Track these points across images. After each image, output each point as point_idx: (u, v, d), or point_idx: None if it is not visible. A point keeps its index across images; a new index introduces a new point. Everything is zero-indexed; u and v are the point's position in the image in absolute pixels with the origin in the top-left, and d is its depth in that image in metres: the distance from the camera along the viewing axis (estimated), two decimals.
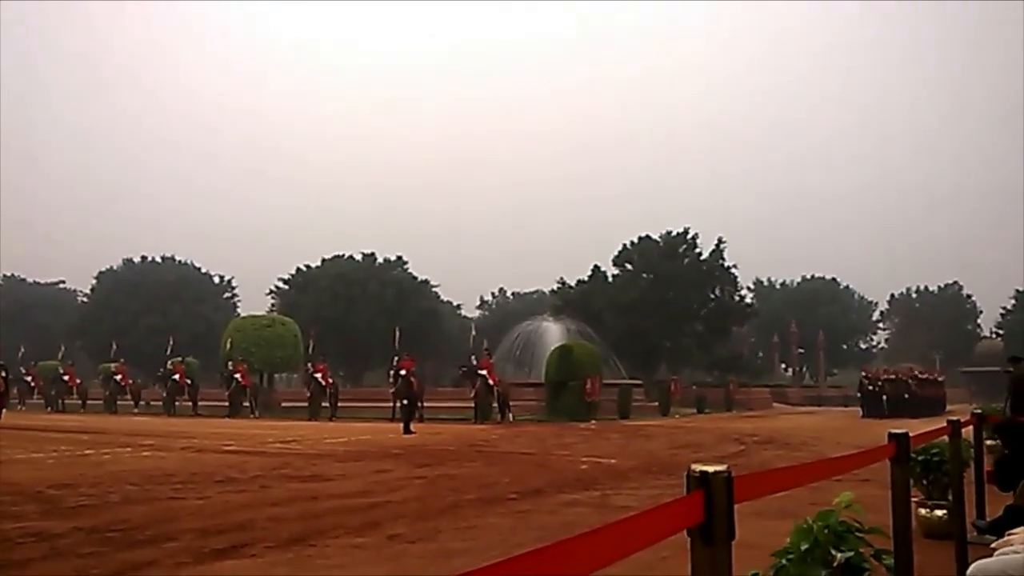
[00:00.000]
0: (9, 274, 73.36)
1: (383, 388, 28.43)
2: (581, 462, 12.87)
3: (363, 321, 55.30)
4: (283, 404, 34.21)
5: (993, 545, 3.46)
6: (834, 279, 79.65)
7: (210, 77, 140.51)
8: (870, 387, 33.27)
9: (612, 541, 1.18)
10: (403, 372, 22.88)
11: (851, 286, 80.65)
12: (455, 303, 72.23)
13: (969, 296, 76.59)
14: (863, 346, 79.94)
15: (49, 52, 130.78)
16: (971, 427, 6.14)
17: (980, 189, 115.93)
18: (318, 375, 30.04)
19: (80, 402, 37.14)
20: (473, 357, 27.77)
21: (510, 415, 26.22)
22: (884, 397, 32.02)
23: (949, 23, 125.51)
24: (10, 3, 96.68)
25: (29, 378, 38.75)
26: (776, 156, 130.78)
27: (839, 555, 2.54)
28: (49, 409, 36.39)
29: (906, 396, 32.04)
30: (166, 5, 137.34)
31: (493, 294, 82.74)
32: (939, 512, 6.12)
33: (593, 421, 25.03)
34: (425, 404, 25.74)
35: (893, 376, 34.63)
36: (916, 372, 36.63)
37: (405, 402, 21.81)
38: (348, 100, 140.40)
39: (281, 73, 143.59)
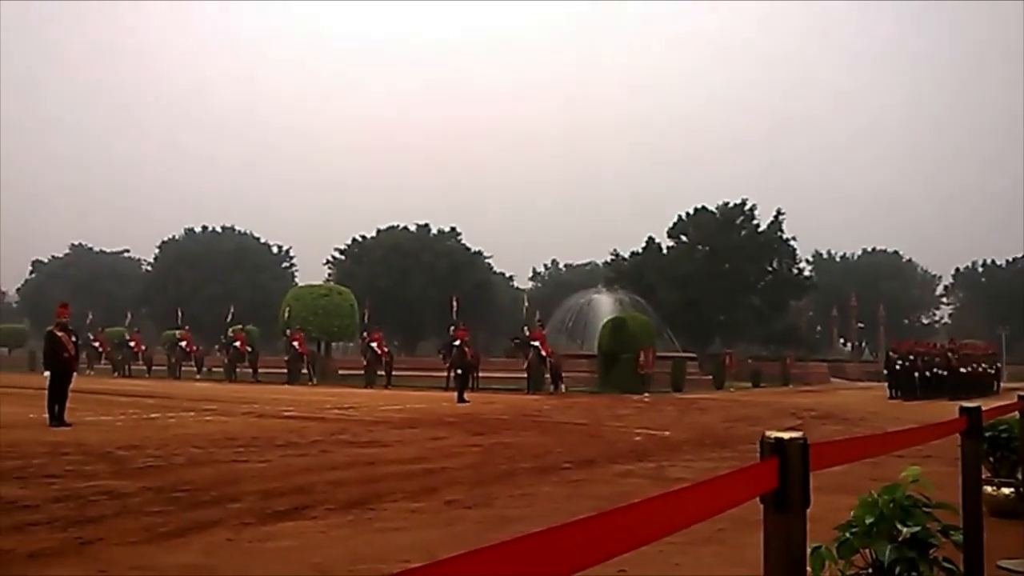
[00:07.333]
0: (77, 243, 75.80)
1: (437, 358, 28.73)
2: (635, 434, 12.85)
3: (417, 291, 55.75)
4: (340, 372, 34.81)
5: None
6: (896, 252, 77.58)
7: (272, 57, 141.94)
8: (899, 362, 28.03)
9: (689, 504, 1.18)
10: (457, 342, 23.06)
11: (914, 259, 78.59)
12: (508, 274, 72.33)
13: None
14: (925, 321, 77.93)
15: (104, 38, 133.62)
16: None
17: None
18: (374, 344, 30.48)
19: (145, 368, 38.37)
20: (526, 328, 27.86)
21: (562, 386, 26.29)
22: (916, 375, 27.17)
23: None
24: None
25: (97, 344, 40.13)
26: (837, 128, 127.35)
27: (905, 530, 2.49)
28: (116, 374, 37.69)
29: (944, 373, 27.26)
30: None
31: (546, 265, 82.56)
32: (1006, 490, 5.96)
33: (646, 393, 24.95)
34: (478, 374, 25.96)
35: (927, 350, 29.78)
36: (958, 345, 31.72)
37: (459, 371, 22.00)
38: (404, 76, 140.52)
39: (339, 53, 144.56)
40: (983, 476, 5.87)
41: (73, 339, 13.87)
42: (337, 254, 62.04)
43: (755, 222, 49.92)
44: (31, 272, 73.93)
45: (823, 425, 15.21)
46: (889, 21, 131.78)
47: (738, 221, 50.00)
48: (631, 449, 10.76)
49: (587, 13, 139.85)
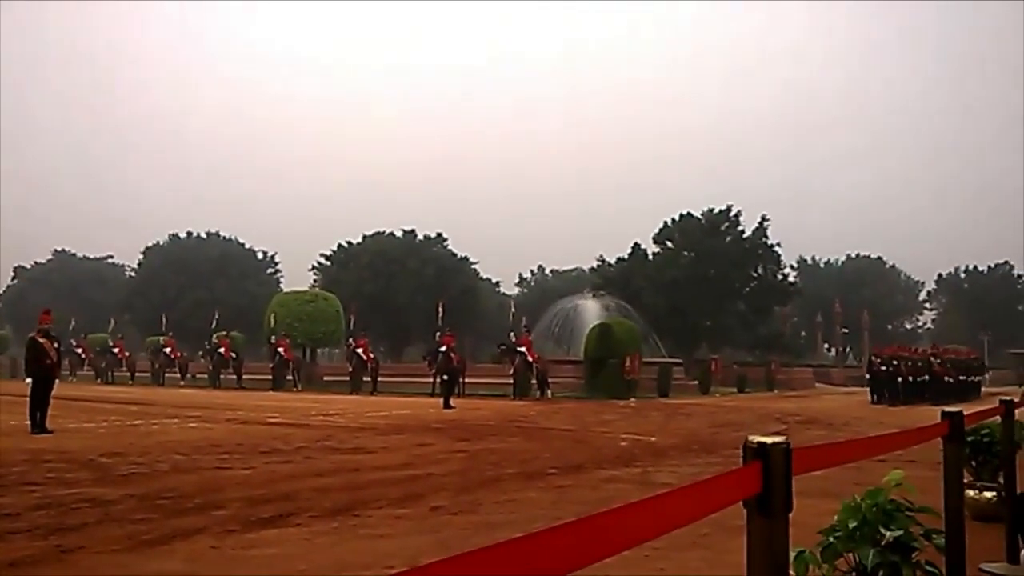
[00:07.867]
0: (60, 249, 75.22)
1: (423, 364, 28.67)
2: (620, 439, 12.86)
3: (403, 297, 55.62)
4: (325, 378, 34.64)
5: None
6: (880, 258, 78.24)
7: (259, 63, 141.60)
8: (883, 367, 27.56)
9: (672, 508, 1.18)
10: (443, 348, 23.01)
11: (897, 265, 79.29)
12: (494, 280, 72.39)
13: (1020, 276, 74.52)
14: (908, 326, 78.58)
15: (93, 47, 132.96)
16: None
17: None
18: (359, 350, 30.33)
19: (129, 374, 38.04)
20: (512, 334, 27.83)
21: (549, 392, 26.27)
22: (899, 379, 26.70)
23: None
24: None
25: (80, 350, 39.70)
26: (820, 136, 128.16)
27: (888, 533, 2.51)
28: (99, 381, 37.33)
29: (927, 378, 26.91)
30: None
31: (532, 271, 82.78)
32: (988, 494, 6.01)
33: (632, 399, 24.96)
34: (465, 380, 25.90)
35: (910, 355, 29.14)
36: (940, 350, 31.33)
37: (445, 377, 21.96)
38: (396, 85, 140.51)
39: (329, 62, 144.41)
40: (965, 480, 5.93)
41: (55, 345, 13.75)
42: (323, 260, 61.78)
43: (740, 228, 50.12)
44: (13, 278, 73.41)
45: (807, 430, 15.28)
46: (874, 32, 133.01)
47: (723, 227, 50.18)
48: (617, 455, 10.76)
49: (573, 27, 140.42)
